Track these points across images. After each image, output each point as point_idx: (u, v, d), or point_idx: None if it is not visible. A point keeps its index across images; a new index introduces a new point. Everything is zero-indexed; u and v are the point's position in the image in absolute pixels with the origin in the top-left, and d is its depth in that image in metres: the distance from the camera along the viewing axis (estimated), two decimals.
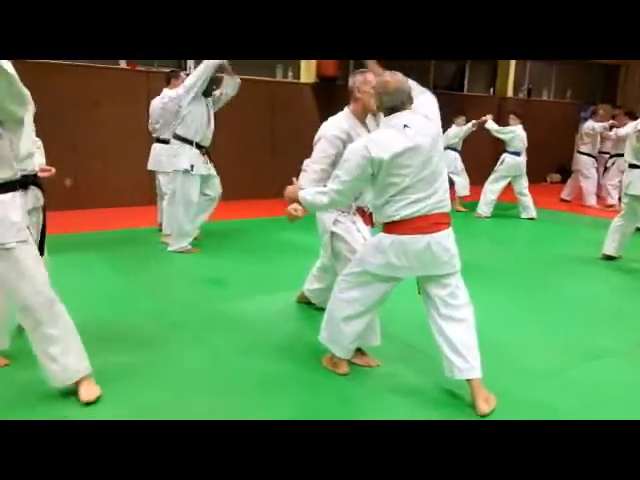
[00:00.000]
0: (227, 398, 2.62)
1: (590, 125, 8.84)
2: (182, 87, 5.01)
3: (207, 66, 4.84)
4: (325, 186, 2.60)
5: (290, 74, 8.74)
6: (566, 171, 10.68)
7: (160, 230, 5.61)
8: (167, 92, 5.41)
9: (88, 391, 2.50)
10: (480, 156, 8.89)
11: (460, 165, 7.94)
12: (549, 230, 7.14)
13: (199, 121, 5.05)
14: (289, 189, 2.71)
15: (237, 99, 5.40)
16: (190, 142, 5.06)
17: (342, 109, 2.99)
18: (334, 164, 2.75)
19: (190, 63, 7.75)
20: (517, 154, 7.52)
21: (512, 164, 7.52)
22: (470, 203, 7.89)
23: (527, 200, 7.58)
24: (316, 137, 2.95)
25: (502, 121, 7.87)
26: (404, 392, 2.70)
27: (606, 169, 8.96)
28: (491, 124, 7.63)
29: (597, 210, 8.53)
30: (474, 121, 7.74)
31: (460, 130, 7.84)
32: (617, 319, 3.83)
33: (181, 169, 5.04)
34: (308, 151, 2.97)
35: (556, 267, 5.21)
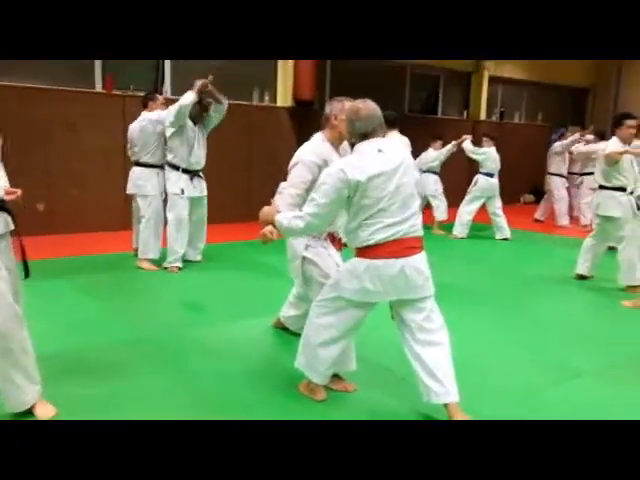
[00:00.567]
0: None
1: (556, 144, 9.20)
2: (167, 120, 5.15)
3: (181, 106, 5.02)
4: (301, 210, 2.61)
5: (267, 98, 8.80)
6: (539, 192, 10.87)
7: (136, 255, 5.55)
8: (146, 115, 5.41)
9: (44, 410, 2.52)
10: (456, 178, 9.01)
11: (440, 188, 8.03)
12: (523, 250, 7.25)
13: (184, 148, 5.27)
14: (264, 211, 2.71)
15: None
16: (177, 168, 5.30)
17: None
18: (309, 190, 2.76)
19: (166, 87, 7.76)
20: (490, 175, 7.67)
21: (485, 185, 7.67)
22: (447, 225, 7.97)
23: (501, 221, 7.71)
24: (292, 161, 2.96)
25: (476, 143, 8.02)
26: (382, 417, 2.68)
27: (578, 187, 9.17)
28: (468, 144, 7.79)
29: (569, 230, 8.69)
30: (454, 142, 7.86)
31: (440, 153, 7.94)
32: (591, 339, 3.89)
33: (172, 193, 5.32)
34: (285, 174, 2.97)
35: (531, 287, 5.28)
